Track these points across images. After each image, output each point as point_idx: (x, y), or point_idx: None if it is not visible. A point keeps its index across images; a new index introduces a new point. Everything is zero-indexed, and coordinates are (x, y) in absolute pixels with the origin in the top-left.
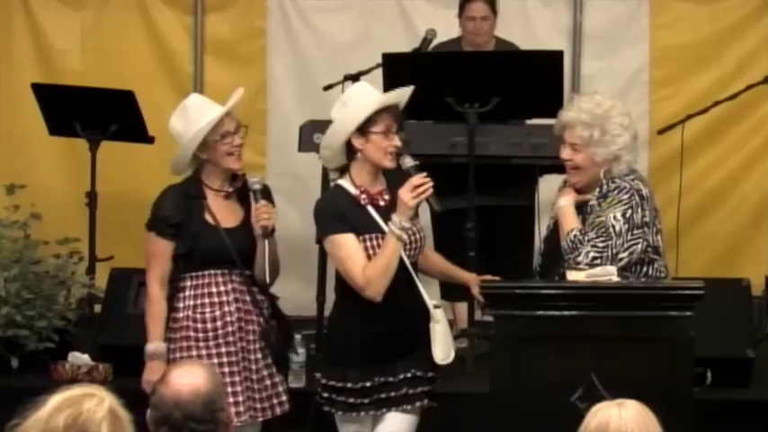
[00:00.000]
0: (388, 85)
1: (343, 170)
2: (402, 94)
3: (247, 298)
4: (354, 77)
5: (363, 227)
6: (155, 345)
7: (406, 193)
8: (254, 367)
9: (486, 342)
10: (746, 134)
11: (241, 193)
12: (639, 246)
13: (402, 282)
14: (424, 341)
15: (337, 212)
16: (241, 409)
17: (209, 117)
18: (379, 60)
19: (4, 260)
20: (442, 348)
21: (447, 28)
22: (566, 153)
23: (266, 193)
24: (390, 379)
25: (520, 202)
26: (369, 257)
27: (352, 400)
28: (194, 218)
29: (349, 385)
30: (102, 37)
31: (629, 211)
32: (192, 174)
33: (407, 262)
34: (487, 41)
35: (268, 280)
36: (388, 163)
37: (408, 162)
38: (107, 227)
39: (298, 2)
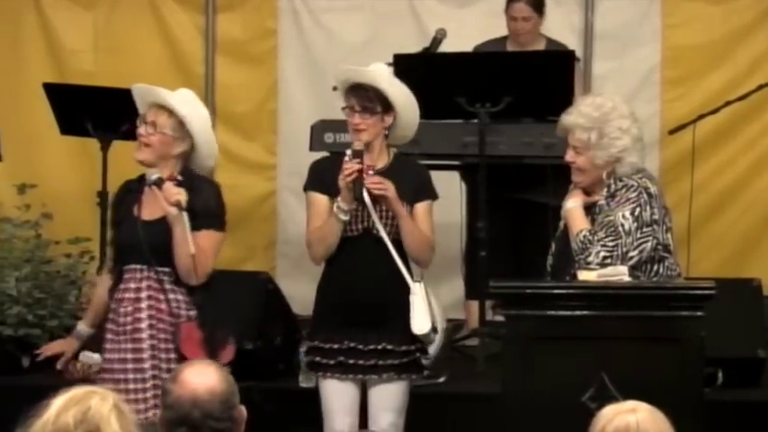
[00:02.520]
0: None
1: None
2: (356, 75)
3: (161, 296)
4: None
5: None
6: (79, 326)
7: (339, 177)
8: (164, 366)
9: (497, 342)
10: (758, 134)
11: (184, 185)
12: (649, 244)
13: (380, 256)
14: (400, 315)
15: (321, 173)
16: (150, 404)
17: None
18: (391, 60)
19: (15, 259)
20: (419, 320)
21: (458, 28)
22: (569, 155)
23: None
24: (360, 347)
25: (541, 199)
26: None
27: (318, 359)
28: (123, 210)
29: (316, 343)
30: (114, 36)
31: (638, 210)
32: None
33: (387, 239)
34: (530, 40)
35: (192, 250)
36: (355, 138)
37: (355, 146)
38: None
39: (309, 2)
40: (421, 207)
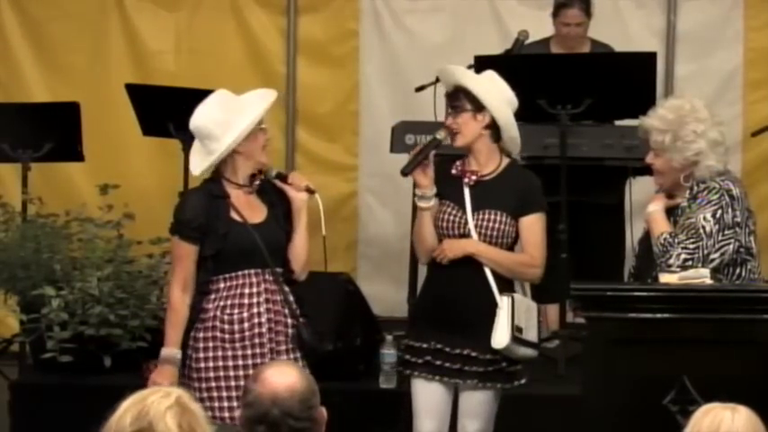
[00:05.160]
0: None
1: None
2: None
3: (278, 298)
4: None
5: (446, 194)
6: (169, 350)
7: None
8: None
9: (577, 344)
10: None
11: (260, 189)
12: (731, 246)
13: (474, 263)
14: (485, 323)
15: (433, 176)
16: None
17: (253, 108)
18: (471, 62)
19: (97, 259)
20: (499, 334)
21: (539, 29)
22: (649, 157)
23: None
24: (447, 349)
25: (607, 200)
26: (442, 221)
27: (408, 357)
28: (221, 217)
29: (408, 341)
30: (196, 38)
31: (720, 212)
32: (212, 174)
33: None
34: (581, 43)
35: (323, 231)
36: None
37: (437, 134)
38: None
39: (390, 3)
40: (527, 221)
